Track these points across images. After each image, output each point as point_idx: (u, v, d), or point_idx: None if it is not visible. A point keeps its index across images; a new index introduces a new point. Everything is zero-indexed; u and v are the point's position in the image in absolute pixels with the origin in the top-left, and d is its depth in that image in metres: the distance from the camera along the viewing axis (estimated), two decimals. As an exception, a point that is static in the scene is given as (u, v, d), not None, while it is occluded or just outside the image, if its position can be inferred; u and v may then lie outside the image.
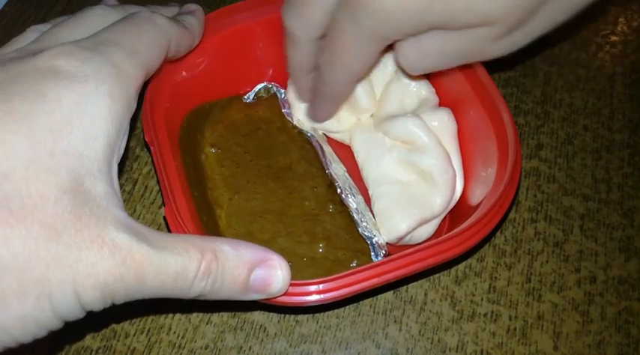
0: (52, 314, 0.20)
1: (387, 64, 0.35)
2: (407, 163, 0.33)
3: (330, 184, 0.34)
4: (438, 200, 0.32)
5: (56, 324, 0.21)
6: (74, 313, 0.21)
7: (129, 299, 0.22)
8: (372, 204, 0.33)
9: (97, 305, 0.21)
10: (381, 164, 0.34)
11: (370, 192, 0.34)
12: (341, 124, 0.36)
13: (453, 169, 0.33)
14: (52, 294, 0.19)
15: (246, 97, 0.38)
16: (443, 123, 0.34)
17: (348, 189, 0.34)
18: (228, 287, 0.23)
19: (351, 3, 0.25)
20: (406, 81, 0.35)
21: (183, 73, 0.34)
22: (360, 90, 0.35)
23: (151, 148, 0.30)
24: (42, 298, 0.19)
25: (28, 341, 0.20)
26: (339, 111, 0.36)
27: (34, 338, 0.21)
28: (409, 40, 0.27)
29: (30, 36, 0.27)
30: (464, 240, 0.27)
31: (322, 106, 0.34)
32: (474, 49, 0.27)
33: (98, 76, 0.22)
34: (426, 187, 0.32)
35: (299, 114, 0.37)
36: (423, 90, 0.36)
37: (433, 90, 0.36)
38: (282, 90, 0.38)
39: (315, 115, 0.35)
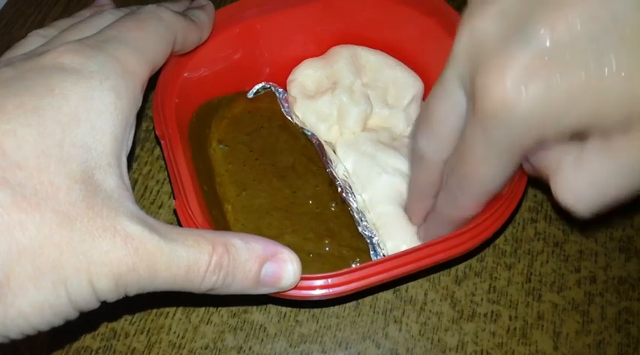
0: (67, 302, 0.20)
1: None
2: None
3: (331, 183, 0.34)
4: None
5: (72, 313, 0.21)
6: (89, 302, 0.21)
7: (142, 290, 0.22)
8: (371, 213, 0.33)
9: (111, 296, 0.21)
10: (376, 183, 0.33)
11: (367, 203, 0.34)
12: (329, 133, 0.36)
13: None
14: (67, 281, 0.20)
15: (248, 95, 0.38)
16: None
17: (348, 188, 0.34)
18: (240, 282, 0.24)
19: (478, 114, 0.21)
20: (406, 107, 0.37)
21: (202, 70, 0.35)
22: (354, 112, 0.35)
23: (162, 142, 0.30)
24: (58, 284, 0.20)
25: (45, 329, 0.21)
26: (331, 121, 0.36)
27: (50, 326, 0.21)
28: (567, 170, 0.22)
29: (32, 40, 0.27)
30: (473, 236, 0.27)
31: (439, 228, 0.30)
32: None
33: (103, 71, 0.23)
34: None
35: (299, 112, 0.37)
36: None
37: None
38: (281, 90, 0.38)
39: (428, 236, 0.31)
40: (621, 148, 0.21)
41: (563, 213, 0.25)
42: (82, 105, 0.22)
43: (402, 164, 0.34)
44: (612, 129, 0.20)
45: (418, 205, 0.30)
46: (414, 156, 0.28)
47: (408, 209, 0.32)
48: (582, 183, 0.22)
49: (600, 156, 0.21)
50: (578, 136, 0.21)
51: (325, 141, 0.36)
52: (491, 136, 0.22)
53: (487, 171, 0.23)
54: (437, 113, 0.25)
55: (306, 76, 0.38)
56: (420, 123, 0.27)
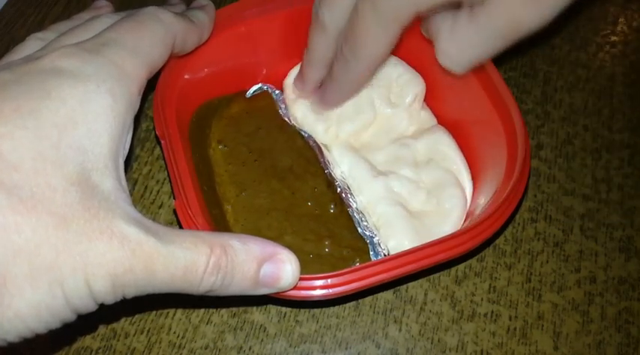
0: (64, 303, 0.20)
1: (407, 92, 0.37)
2: (413, 182, 0.33)
3: (329, 184, 0.34)
4: (447, 229, 0.32)
5: (69, 315, 0.21)
6: (86, 304, 0.21)
7: (140, 292, 0.22)
8: (371, 214, 0.33)
9: (109, 297, 0.21)
10: (373, 185, 0.33)
11: (365, 204, 0.34)
12: (327, 134, 0.36)
13: (464, 194, 0.33)
14: (63, 282, 0.20)
15: (247, 95, 0.38)
16: (447, 143, 0.35)
17: (348, 189, 0.34)
18: (238, 283, 0.24)
19: None
20: (409, 106, 0.37)
21: (202, 70, 0.35)
22: (357, 119, 0.36)
23: (162, 142, 0.30)
24: (54, 285, 0.20)
25: (42, 331, 0.21)
26: (329, 123, 0.36)
27: (47, 329, 0.21)
28: (444, 37, 0.28)
29: (31, 44, 0.27)
30: (473, 236, 0.27)
31: (336, 94, 0.34)
32: (507, 21, 0.26)
33: (99, 75, 0.23)
34: (436, 218, 0.33)
35: (298, 112, 0.37)
36: (422, 114, 0.37)
37: (431, 112, 0.37)
38: (277, 91, 0.38)
39: (325, 102, 0.35)
40: (481, 17, 0.26)
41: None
42: (79, 108, 0.22)
43: (399, 166, 0.34)
44: (473, 2, 0.26)
45: (314, 73, 0.34)
46: (315, 27, 0.31)
47: (302, 76, 0.35)
48: (454, 48, 0.28)
49: (466, 25, 0.27)
50: (453, 7, 0.27)
51: (322, 144, 0.36)
52: (378, 8, 0.27)
53: (374, 38, 0.28)
54: None
55: None
56: None
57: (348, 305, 0.33)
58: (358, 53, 0.29)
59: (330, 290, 0.26)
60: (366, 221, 0.33)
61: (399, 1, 0.26)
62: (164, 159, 0.30)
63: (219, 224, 0.31)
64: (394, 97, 0.37)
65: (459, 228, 0.32)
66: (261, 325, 0.33)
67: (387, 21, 0.27)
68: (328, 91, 0.34)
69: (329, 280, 0.26)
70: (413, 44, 0.37)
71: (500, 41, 0.27)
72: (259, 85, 0.38)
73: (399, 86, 0.37)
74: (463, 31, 0.27)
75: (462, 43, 0.27)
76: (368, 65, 0.31)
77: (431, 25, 0.29)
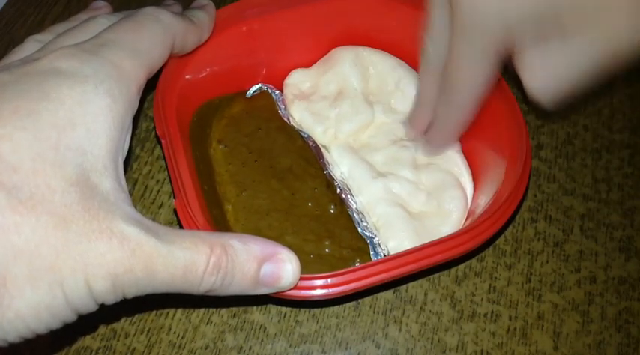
0: (64, 303, 0.20)
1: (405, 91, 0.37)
2: (412, 184, 0.33)
3: (329, 185, 0.34)
4: (447, 230, 0.32)
5: (70, 315, 0.21)
6: (87, 304, 0.21)
7: (140, 292, 0.22)
8: (371, 214, 0.33)
9: (109, 297, 0.21)
10: (372, 187, 0.33)
11: (365, 205, 0.34)
12: (325, 135, 0.36)
13: (465, 195, 0.33)
14: (63, 282, 0.20)
15: (247, 95, 0.38)
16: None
17: (347, 190, 0.34)
18: (239, 282, 0.24)
19: (455, 20, 0.26)
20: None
21: (202, 70, 0.35)
22: (355, 119, 0.36)
23: (162, 142, 0.30)
24: (54, 286, 0.20)
25: (43, 331, 0.21)
26: (327, 124, 0.36)
27: (48, 329, 0.21)
28: (534, 66, 0.27)
29: (29, 46, 0.27)
30: (473, 237, 0.27)
31: (441, 133, 0.33)
32: (606, 45, 0.25)
33: (98, 75, 0.23)
34: (436, 219, 0.33)
35: (296, 113, 0.37)
36: None
37: None
38: (277, 92, 0.38)
39: (432, 143, 0.35)
40: (577, 40, 0.25)
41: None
42: (78, 109, 0.22)
43: (399, 167, 0.34)
44: (566, 26, 0.25)
45: (422, 115, 0.34)
46: (422, 64, 0.31)
47: (411, 121, 0.35)
48: (544, 77, 0.27)
49: (557, 54, 0.26)
50: (542, 39, 0.26)
51: (321, 145, 0.36)
52: (468, 37, 0.26)
53: (470, 69, 0.28)
54: (432, 17, 0.29)
55: (302, 81, 0.38)
56: (424, 31, 0.30)
57: (348, 305, 0.33)
58: (457, 88, 0.29)
59: (330, 290, 0.26)
60: (366, 221, 0.33)
61: (485, 24, 0.25)
62: (164, 158, 0.30)
63: (219, 224, 0.31)
64: (395, 102, 0.37)
65: (459, 225, 0.32)
66: (261, 325, 0.33)
67: (479, 49, 0.26)
68: (433, 132, 0.34)
69: (329, 280, 0.26)
70: (415, 46, 0.37)
71: (596, 67, 0.26)
72: (259, 85, 0.38)
73: (401, 90, 0.37)
74: (553, 60, 0.26)
75: (552, 72, 0.26)
76: (468, 99, 0.29)
77: (520, 60, 0.27)
